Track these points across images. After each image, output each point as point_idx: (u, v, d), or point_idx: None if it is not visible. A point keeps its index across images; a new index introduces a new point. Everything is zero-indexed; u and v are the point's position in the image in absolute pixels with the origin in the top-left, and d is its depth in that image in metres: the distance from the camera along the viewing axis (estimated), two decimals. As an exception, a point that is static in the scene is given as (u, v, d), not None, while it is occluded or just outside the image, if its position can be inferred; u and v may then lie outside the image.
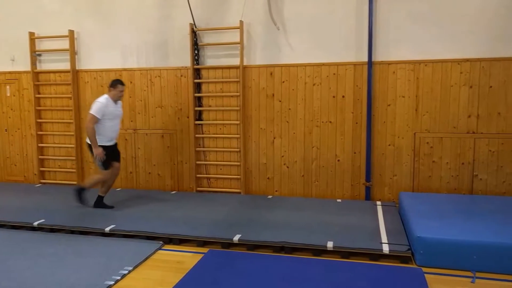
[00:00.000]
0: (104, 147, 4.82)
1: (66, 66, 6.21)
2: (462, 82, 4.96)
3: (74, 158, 6.33)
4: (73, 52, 6.17)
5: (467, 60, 4.91)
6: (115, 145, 5.07)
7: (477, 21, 4.84)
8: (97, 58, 6.14)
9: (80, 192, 5.07)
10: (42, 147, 6.51)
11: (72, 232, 4.43)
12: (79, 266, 3.54)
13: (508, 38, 4.79)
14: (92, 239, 4.21)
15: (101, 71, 6.14)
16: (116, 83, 4.88)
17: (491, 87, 4.89)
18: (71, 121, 6.27)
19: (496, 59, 4.83)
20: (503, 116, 4.89)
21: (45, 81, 6.41)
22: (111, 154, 4.95)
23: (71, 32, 6.12)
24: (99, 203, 5.04)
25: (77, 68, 6.24)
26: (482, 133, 4.97)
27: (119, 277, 3.34)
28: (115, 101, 4.90)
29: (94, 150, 4.74)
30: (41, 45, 6.38)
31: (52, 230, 4.49)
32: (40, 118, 6.46)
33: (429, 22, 4.97)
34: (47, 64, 6.39)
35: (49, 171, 6.55)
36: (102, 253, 3.83)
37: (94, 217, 4.67)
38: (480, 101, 4.94)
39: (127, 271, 3.45)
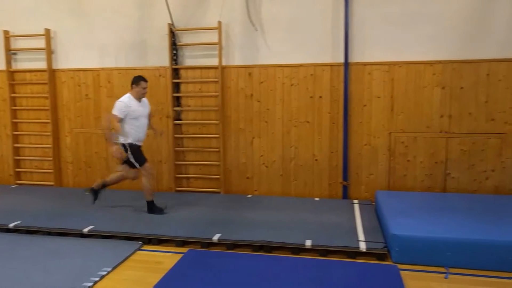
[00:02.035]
0: (135, 144, 4.68)
1: (42, 65, 6.11)
2: (434, 83, 5.11)
3: (51, 158, 6.24)
4: (49, 51, 6.07)
5: (439, 62, 5.06)
6: (141, 147, 4.87)
7: (448, 24, 4.99)
8: (74, 57, 6.05)
9: (151, 207, 4.82)
10: (18, 147, 6.39)
11: (49, 233, 4.37)
12: (56, 268, 3.51)
13: (477, 40, 4.95)
14: (69, 241, 4.17)
15: (79, 70, 6.07)
16: (139, 80, 4.67)
17: (462, 88, 5.06)
18: (48, 121, 6.18)
19: (466, 61, 4.99)
20: (474, 116, 5.06)
21: (21, 81, 6.29)
22: (141, 152, 4.80)
23: (47, 31, 6.02)
24: (152, 208, 4.84)
25: (53, 68, 6.14)
26: (454, 132, 5.13)
27: (97, 279, 3.32)
28: (139, 99, 4.69)
29: (110, 147, 4.61)
30: (16, 44, 6.26)
31: (28, 232, 4.43)
32: (16, 118, 6.34)
33: (403, 25, 5.09)
34: (22, 63, 6.27)
35: (25, 171, 6.44)
36: (80, 255, 3.80)
37: (72, 218, 4.63)
38: (452, 101, 5.09)
39: (105, 272, 3.44)
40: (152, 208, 4.81)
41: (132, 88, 4.71)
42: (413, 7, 5.06)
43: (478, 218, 4.03)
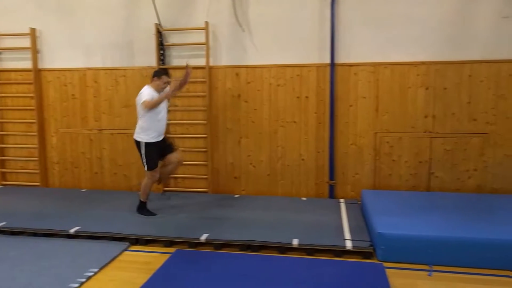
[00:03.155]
0: (152, 144, 4.57)
1: (27, 64, 6.04)
2: (419, 84, 5.20)
3: (36, 159, 6.18)
4: (35, 51, 6.01)
5: (423, 63, 5.15)
6: (164, 139, 4.75)
7: (432, 26, 5.08)
8: (60, 57, 6.00)
9: (142, 208, 4.78)
10: (3, 147, 6.31)
11: (35, 234, 4.33)
12: (42, 269, 3.49)
13: (460, 42, 5.05)
14: (56, 242, 4.14)
15: (65, 70, 6.02)
16: (162, 74, 4.57)
17: (445, 88, 5.15)
18: (34, 121, 6.11)
19: (449, 62, 5.09)
20: (457, 116, 5.16)
21: (6, 80, 6.21)
22: (159, 151, 4.68)
23: (33, 30, 5.96)
24: (142, 209, 4.79)
25: (39, 67, 6.08)
26: (438, 132, 5.22)
27: (84, 279, 3.31)
28: (159, 92, 4.55)
29: (167, 94, 4.45)
30: (1, 43, 6.17)
31: (13, 233, 4.38)
32: (1, 118, 6.25)
33: (388, 26, 5.17)
34: (7, 63, 6.19)
35: (10, 172, 6.36)
36: (67, 255, 3.78)
37: (58, 219, 4.59)
38: (435, 102, 5.18)
39: (92, 273, 3.43)
40: (142, 209, 4.77)
41: (152, 81, 4.60)
42: (397, 9, 5.13)
43: (461, 216, 4.11)
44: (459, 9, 5.03)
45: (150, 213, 4.76)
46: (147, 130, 4.55)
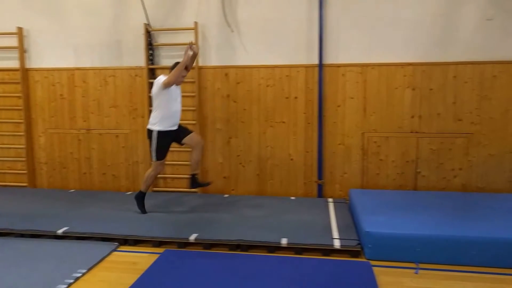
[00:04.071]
0: (165, 133, 4.56)
1: (15, 64, 5.99)
2: (405, 85, 5.27)
3: (24, 159, 6.12)
4: (22, 50, 5.95)
5: (409, 64, 5.22)
6: (178, 127, 4.71)
7: (418, 28, 5.15)
8: (48, 56, 5.95)
9: (139, 198, 4.82)
10: (-11, 148, 6.26)
11: (22, 235, 4.30)
12: (29, 270, 3.46)
13: (445, 44, 5.14)
14: (43, 242, 4.12)
15: (53, 70, 5.98)
16: None
17: (431, 89, 5.23)
18: (21, 121, 6.06)
19: (435, 64, 5.17)
20: (442, 116, 5.25)
21: (-8, 80, 6.16)
22: (172, 140, 4.67)
23: (20, 29, 5.91)
24: (140, 200, 4.82)
25: (26, 67, 6.03)
26: (424, 132, 5.30)
27: (72, 280, 3.30)
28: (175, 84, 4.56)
29: (182, 64, 4.40)
30: (-13, 42, 6.13)
31: (0, 234, 4.33)
32: (-13, 118, 6.20)
33: (375, 28, 5.23)
34: (-6, 62, 6.15)
35: (-3, 173, 6.31)
36: (54, 256, 3.75)
37: (46, 220, 4.56)
38: (422, 102, 5.26)
39: (80, 274, 3.41)
40: (139, 199, 4.81)
41: (170, 72, 4.55)
42: (385, 11, 5.20)
43: (447, 214, 4.18)
44: (445, 12, 5.11)
45: (142, 209, 4.79)
46: (163, 120, 4.53)
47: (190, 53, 4.50)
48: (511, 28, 5.01)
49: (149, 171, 4.83)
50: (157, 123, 4.56)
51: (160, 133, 4.56)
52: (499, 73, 5.08)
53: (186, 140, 4.72)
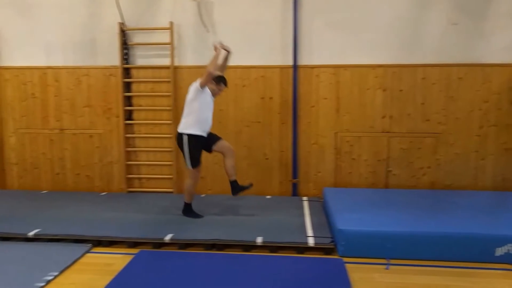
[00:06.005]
0: (197, 138, 4.43)
1: (-17, 62, 5.85)
2: (377, 86, 5.41)
3: (-7, 160, 5.98)
4: (-10, 48, 5.82)
5: (380, 65, 5.37)
6: (208, 135, 4.59)
7: (388, 31, 5.31)
8: (20, 55, 5.82)
9: (188, 210, 4.69)
10: (-44, 148, 6.06)
11: (-8, 238, 4.20)
12: (-1, 274, 3.36)
13: (414, 47, 5.31)
14: (13, 245, 4.01)
15: (24, 68, 5.85)
16: (220, 81, 4.51)
17: (401, 90, 5.39)
18: (-10, 121, 5.92)
19: (405, 65, 5.34)
20: (412, 116, 5.42)
21: (-41, 78, 5.97)
22: (203, 147, 4.55)
23: (-12, 27, 5.77)
24: (189, 211, 4.70)
25: (-4, 65, 5.89)
26: (394, 132, 5.46)
27: (43, 284, 3.22)
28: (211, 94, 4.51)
29: (217, 56, 4.35)
30: (-46, 40, 5.94)
31: (-32, 238, 4.23)
32: (-46, 118, 6.01)
33: (347, 30, 5.36)
34: (-40, 60, 5.96)
35: (-36, 174, 6.13)
36: (25, 260, 3.65)
37: (17, 222, 4.46)
38: (392, 103, 5.42)
39: (52, 277, 3.33)
40: (188, 211, 4.70)
41: (211, 82, 4.48)
42: (356, 14, 5.33)
43: (416, 212, 4.31)
44: (413, 16, 5.29)
45: (197, 215, 4.67)
46: (194, 124, 4.42)
47: (223, 52, 4.44)
48: (475, 32, 5.23)
49: (187, 181, 4.65)
50: (188, 127, 4.44)
51: (190, 137, 4.43)
52: (465, 75, 5.29)
53: (215, 147, 4.60)
